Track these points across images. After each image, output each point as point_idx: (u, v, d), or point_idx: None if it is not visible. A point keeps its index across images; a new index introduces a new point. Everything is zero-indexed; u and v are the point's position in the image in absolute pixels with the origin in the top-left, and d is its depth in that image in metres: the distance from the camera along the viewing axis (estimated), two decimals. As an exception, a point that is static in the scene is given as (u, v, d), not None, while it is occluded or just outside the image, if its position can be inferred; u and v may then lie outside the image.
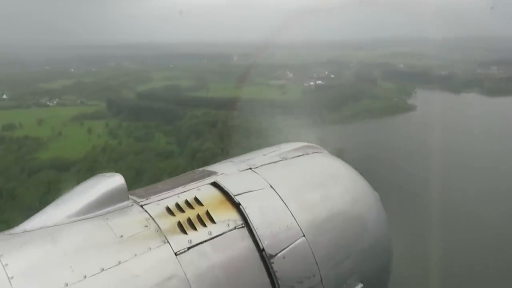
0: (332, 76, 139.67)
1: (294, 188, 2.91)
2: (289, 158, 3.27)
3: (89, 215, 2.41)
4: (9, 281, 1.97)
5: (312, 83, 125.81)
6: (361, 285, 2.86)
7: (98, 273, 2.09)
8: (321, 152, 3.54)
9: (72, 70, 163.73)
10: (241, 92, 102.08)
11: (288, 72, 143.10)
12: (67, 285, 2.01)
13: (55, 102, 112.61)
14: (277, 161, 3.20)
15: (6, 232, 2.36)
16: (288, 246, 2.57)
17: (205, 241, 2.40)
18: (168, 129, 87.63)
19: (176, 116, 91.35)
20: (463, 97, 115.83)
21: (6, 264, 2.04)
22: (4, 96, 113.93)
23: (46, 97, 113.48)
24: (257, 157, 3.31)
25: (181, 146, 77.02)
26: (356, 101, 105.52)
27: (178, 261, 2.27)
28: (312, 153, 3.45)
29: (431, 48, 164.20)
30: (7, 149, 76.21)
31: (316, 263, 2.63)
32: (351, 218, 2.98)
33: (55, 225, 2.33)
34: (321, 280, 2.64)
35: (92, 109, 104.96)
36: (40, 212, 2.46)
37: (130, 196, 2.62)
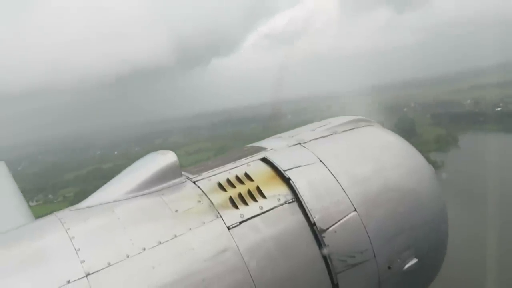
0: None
1: (345, 162, 2.89)
2: (339, 132, 3.23)
3: (146, 191, 2.58)
4: (76, 253, 2.17)
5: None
6: (415, 260, 2.81)
7: (156, 246, 2.25)
8: (372, 125, 3.41)
9: (115, 152, 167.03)
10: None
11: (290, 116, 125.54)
12: (128, 256, 2.18)
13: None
14: (326, 136, 3.18)
15: (72, 207, 2.61)
16: (340, 220, 2.60)
17: (257, 215, 2.50)
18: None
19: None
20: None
21: (73, 237, 2.26)
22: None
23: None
24: (305, 132, 3.30)
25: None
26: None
27: (231, 234, 2.39)
28: (363, 126, 3.36)
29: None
30: None
31: (369, 237, 2.64)
32: (405, 192, 2.91)
33: (114, 201, 2.52)
34: (374, 254, 2.66)
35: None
36: (100, 189, 2.69)
37: (183, 173, 2.76)
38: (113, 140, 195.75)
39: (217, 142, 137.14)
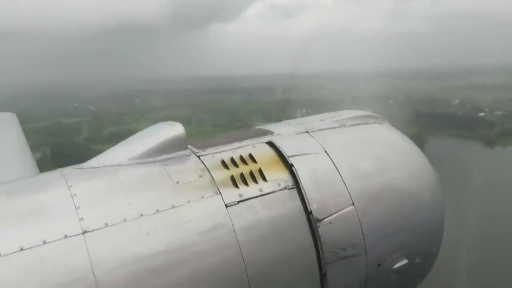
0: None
1: (349, 155, 2.90)
2: (348, 126, 3.25)
3: (149, 159, 2.63)
4: (76, 210, 2.23)
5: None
6: (406, 261, 2.84)
7: (154, 213, 2.30)
8: (382, 123, 3.41)
9: (91, 107, 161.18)
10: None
11: (304, 110, 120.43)
12: (125, 220, 2.24)
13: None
14: (335, 127, 3.20)
15: (76, 166, 2.67)
16: (336, 212, 2.63)
17: (255, 197, 2.55)
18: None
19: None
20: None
21: (75, 194, 2.33)
22: None
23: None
24: (315, 121, 3.31)
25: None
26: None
27: (228, 212, 2.43)
28: (373, 123, 3.35)
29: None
30: None
31: (363, 233, 2.67)
32: (406, 193, 2.92)
33: (118, 165, 2.58)
34: (366, 250, 2.69)
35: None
36: (105, 152, 2.76)
37: (189, 146, 2.81)
38: (91, 94, 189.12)
39: (194, 110, 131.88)
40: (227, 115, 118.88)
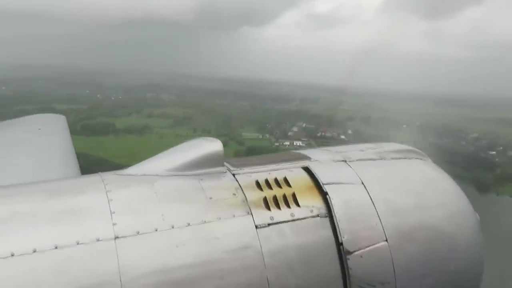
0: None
1: (387, 190, 2.80)
2: (388, 159, 3.13)
3: (186, 172, 2.63)
4: (111, 215, 2.26)
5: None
6: None
7: (184, 226, 2.31)
8: (423, 159, 3.29)
9: (98, 96, 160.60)
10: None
11: (305, 125, 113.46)
12: (156, 230, 2.26)
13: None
14: (374, 159, 3.10)
15: (116, 172, 2.70)
16: (368, 246, 2.54)
17: (286, 221, 2.48)
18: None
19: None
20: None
21: (111, 200, 2.35)
22: None
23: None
24: (354, 151, 3.21)
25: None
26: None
27: (257, 234, 2.39)
28: (414, 158, 3.24)
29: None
30: None
31: (394, 271, 2.56)
32: (443, 235, 2.79)
33: (156, 175, 2.60)
34: None
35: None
36: (145, 161, 2.76)
37: (225, 164, 2.79)
38: (109, 83, 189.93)
39: (192, 111, 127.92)
40: (220, 120, 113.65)
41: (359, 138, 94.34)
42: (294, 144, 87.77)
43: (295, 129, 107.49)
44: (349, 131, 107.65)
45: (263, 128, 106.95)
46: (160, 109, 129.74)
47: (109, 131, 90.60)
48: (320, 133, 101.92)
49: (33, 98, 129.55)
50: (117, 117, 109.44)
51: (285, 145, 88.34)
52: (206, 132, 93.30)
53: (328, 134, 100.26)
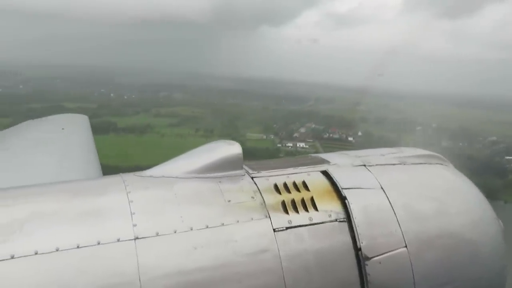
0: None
1: (407, 195, 2.78)
2: (408, 164, 3.09)
3: (205, 175, 2.66)
4: (131, 216, 2.30)
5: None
6: None
7: (203, 229, 2.33)
8: (446, 165, 3.24)
9: (112, 95, 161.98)
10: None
11: (314, 125, 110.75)
12: (175, 232, 2.28)
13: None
14: (394, 164, 3.06)
15: (137, 173, 2.75)
16: (387, 252, 2.52)
17: (304, 225, 2.49)
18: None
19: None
20: None
21: (132, 201, 2.39)
22: None
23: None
24: (374, 156, 3.19)
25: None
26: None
27: (275, 237, 2.40)
28: (436, 163, 3.18)
29: None
30: None
31: (413, 278, 2.53)
32: (465, 242, 2.74)
33: (175, 177, 2.63)
34: None
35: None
36: (164, 163, 2.79)
37: (244, 166, 2.81)
38: (120, 82, 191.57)
39: (201, 111, 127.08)
40: (226, 120, 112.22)
41: (369, 140, 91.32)
42: (298, 145, 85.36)
43: (302, 130, 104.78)
44: (359, 133, 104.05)
45: (270, 129, 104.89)
46: (170, 108, 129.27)
47: (110, 130, 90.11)
48: (327, 134, 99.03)
49: (44, 97, 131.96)
50: (124, 116, 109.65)
51: (288, 146, 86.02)
52: (208, 132, 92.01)
53: (335, 136, 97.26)
